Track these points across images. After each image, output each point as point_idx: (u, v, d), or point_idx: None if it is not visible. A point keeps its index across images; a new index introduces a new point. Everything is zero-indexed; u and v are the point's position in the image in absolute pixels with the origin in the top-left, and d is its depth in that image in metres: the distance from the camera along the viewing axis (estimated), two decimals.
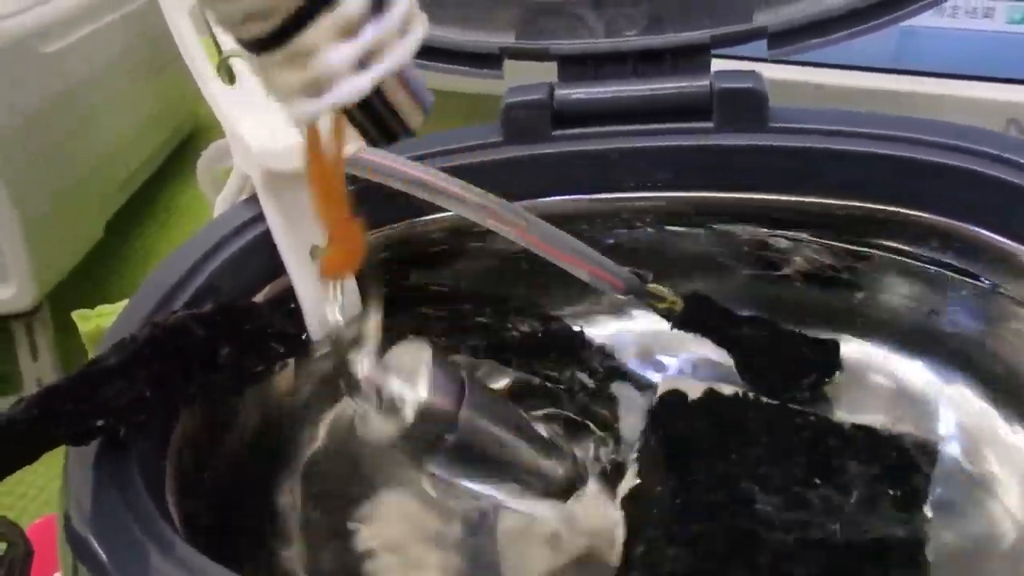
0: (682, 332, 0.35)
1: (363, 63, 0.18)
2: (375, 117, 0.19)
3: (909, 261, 0.34)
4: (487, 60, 0.37)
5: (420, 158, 0.33)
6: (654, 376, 0.36)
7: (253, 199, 0.32)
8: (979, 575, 0.29)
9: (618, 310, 0.38)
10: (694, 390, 0.33)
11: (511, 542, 0.31)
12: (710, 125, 0.35)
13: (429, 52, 0.36)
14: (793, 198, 0.34)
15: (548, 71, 0.36)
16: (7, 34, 0.50)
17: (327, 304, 0.24)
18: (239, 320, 0.29)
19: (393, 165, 0.32)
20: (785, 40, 0.35)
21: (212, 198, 0.39)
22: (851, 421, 0.32)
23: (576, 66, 0.36)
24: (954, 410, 0.33)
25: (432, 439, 0.24)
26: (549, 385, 0.35)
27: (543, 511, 0.28)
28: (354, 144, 0.22)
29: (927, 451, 0.30)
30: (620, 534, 0.29)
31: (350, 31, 0.18)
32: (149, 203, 0.72)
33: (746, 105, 0.34)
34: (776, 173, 0.34)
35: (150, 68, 0.69)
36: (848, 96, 0.47)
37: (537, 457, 0.27)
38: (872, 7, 0.34)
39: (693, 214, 0.36)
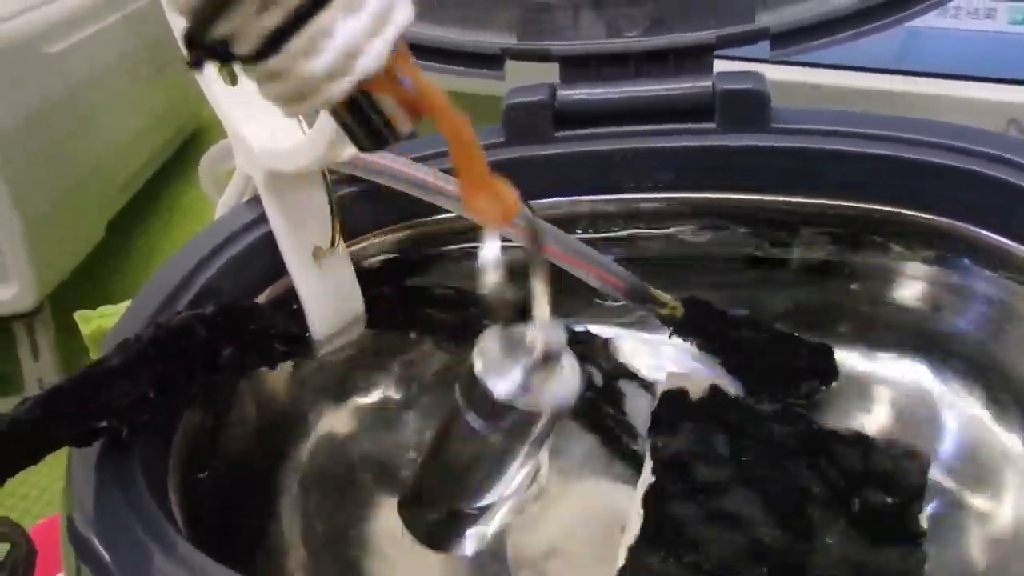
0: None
1: (338, 70, 0.18)
2: (365, 123, 0.19)
3: (910, 262, 0.34)
4: (489, 61, 0.37)
5: (423, 159, 0.33)
6: (657, 375, 0.36)
7: (255, 200, 0.32)
8: None
9: (620, 311, 0.38)
10: (696, 389, 0.33)
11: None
12: (712, 126, 0.35)
13: (430, 53, 0.36)
14: (795, 199, 0.34)
15: (550, 72, 0.36)
16: (9, 35, 0.50)
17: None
18: (241, 321, 0.29)
19: (395, 166, 0.32)
20: (788, 41, 0.35)
21: (214, 199, 0.39)
22: (848, 427, 0.32)
23: (578, 67, 0.36)
24: (954, 414, 0.33)
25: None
26: None
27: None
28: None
29: (922, 460, 0.30)
30: (632, 533, 0.29)
31: (321, 44, 0.17)
32: (151, 203, 0.72)
33: (748, 106, 0.34)
34: (778, 174, 0.34)
35: (152, 68, 0.69)
36: (849, 97, 0.47)
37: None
38: (875, 8, 0.34)
39: (695, 215, 0.36)
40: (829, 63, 0.48)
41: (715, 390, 0.33)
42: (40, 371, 0.53)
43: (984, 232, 0.32)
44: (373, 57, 0.18)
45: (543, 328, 0.21)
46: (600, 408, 0.34)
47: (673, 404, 0.33)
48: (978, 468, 0.31)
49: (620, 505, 0.30)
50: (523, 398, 0.21)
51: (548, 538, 0.31)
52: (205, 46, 0.18)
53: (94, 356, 0.28)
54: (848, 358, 0.35)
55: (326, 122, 0.26)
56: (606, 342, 0.36)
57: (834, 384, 0.34)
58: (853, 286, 0.35)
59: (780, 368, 0.34)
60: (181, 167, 0.76)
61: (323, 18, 0.17)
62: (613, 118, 0.35)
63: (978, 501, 0.31)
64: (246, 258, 0.31)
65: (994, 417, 0.32)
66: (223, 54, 0.18)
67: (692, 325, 0.34)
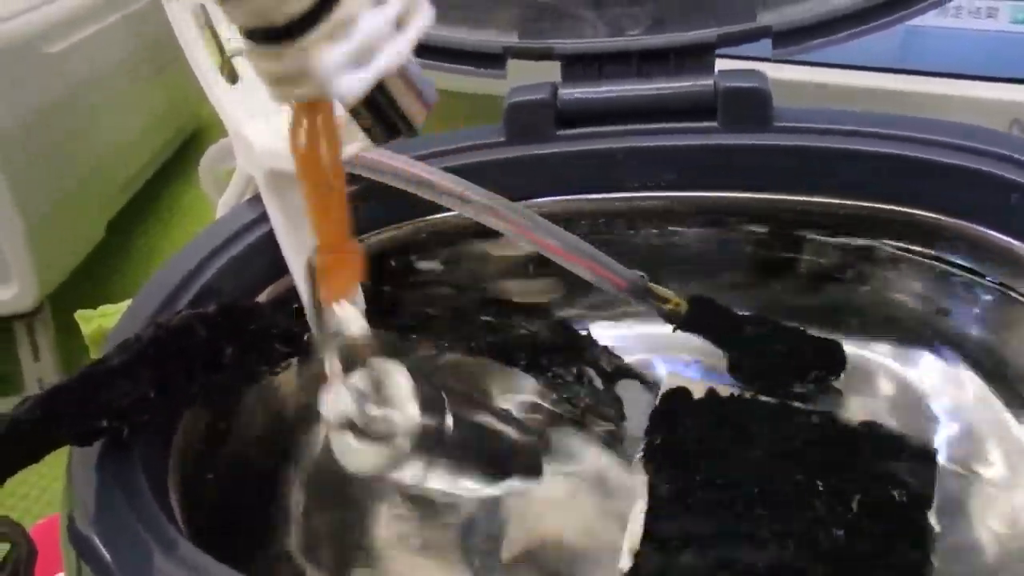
0: (685, 333, 0.34)
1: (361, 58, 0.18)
2: (379, 113, 0.19)
3: (913, 260, 0.34)
4: (491, 60, 0.37)
5: (424, 158, 0.33)
6: (658, 375, 0.36)
7: (256, 199, 0.32)
8: None
9: (622, 310, 0.38)
10: (697, 389, 0.33)
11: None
12: (714, 125, 0.35)
13: (432, 52, 0.36)
14: (797, 197, 0.34)
15: (551, 71, 0.36)
16: (10, 35, 0.50)
17: (341, 321, 0.22)
18: (242, 320, 0.29)
19: (397, 165, 0.32)
20: (789, 40, 0.34)
21: (214, 198, 0.39)
22: (852, 421, 0.32)
23: (580, 66, 0.36)
24: (958, 410, 0.33)
25: (420, 455, 0.23)
26: (557, 384, 0.35)
27: (517, 488, 0.28)
28: (356, 144, 0.21)
29: (929, 454, 0.30)
30: (634, 534, 0.29)
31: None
32: (152, 203, 0.72)
33: (750, 105, 0.34)
34: (780, 173, 0.34)
35: (152, 68, 0.69)
36: (852, 96, 0.47)
37: (510, 438, 0.27)
38: (876, 7, 0.34)
39: (697, 214, 0.36)
40: (830, 62, 0.48)
41: (713, 392, 0.33)
42: (40, 371, 0.53)
43: (988, 231, 0.32)
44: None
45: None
46: (600, 410, 0.34)
47: (674, 403, 0.33)
48: (982, 465, 0.31)
49: (621, 505, 0.30)
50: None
51: (547, 539, 0.31)
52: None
53: (94, 356, 0.28)
54: (851, 356, 0.35)
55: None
56: (606, 347, 0.36)
57: (838, 379, 0.34)
58: (856, 284, 0.35)
59: (785, 363, 0.34)
60: (181, 167, 0.76)
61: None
62: (615, 117, 0.35)
63: (981, 496, 0.31)
64: (247, 258, 0.31)
65: (997, 413, 0.32)
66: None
67: (696, 321, 0.34)
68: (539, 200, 0.35)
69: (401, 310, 0.35)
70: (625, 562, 0.28)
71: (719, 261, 0.36)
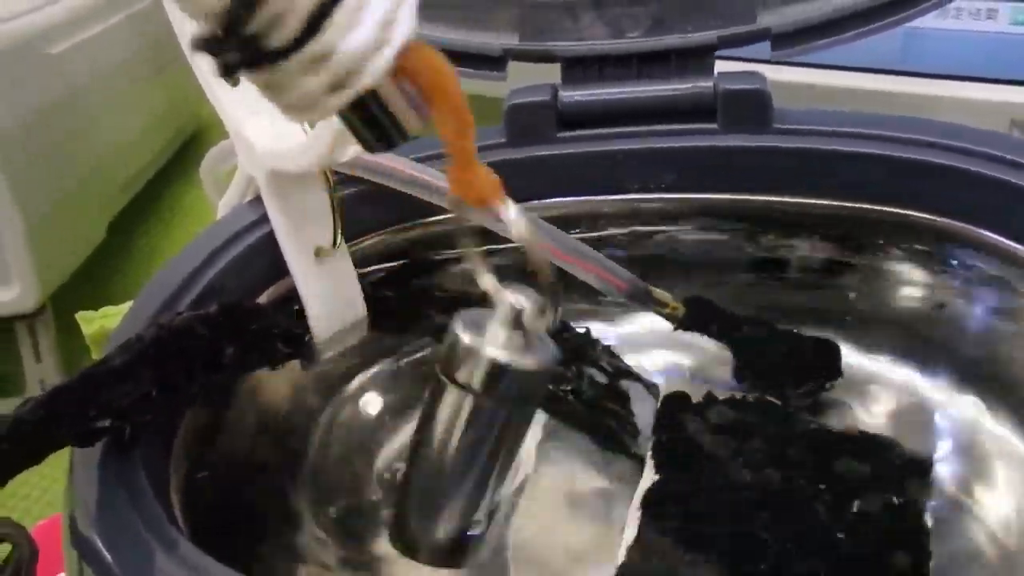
0: (685, 335, 0.35)
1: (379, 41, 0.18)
2: (373, 123, 0.19)
3: (912, 262, 0.34)
4: (491, 62, 0.37)
5: (423, 160, 0.33)
6: (658, 378, 0.36)
7: (257, 200, 0.32)
8: None
9: (622, 313, 0.38)
10: (696, 392, 0.33)
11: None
12: (714, 126, 0.35)
13: None
14: (797, 199, 0.34)
15: (551, 73, 0.36)
16: (12, 35, 0.50)
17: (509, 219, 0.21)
18: (243, 321, 0.29)
19: (396, 167, 0.32)
20: (789, 41, 0.35)
21: (215, 199, 0.39)
22: (851, 426, 0.32)
23: (580, 67, 0.36)
24: (954, 413, 0.33)
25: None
26: (561, 383, 0.35)
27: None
28: (355, 146, 0.21)
29: (925, 460, 0.30)
30: (631, 533, 0.29)
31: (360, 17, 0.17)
32: (153, 204, 0.72)
33: (750, 106, 0.34)
34: (780, 174, 0.34)
35: (153, 69, 0.69)
36: (852, 97, 0.47)
37: None
38: (875, 9, 0.34)
39: (697, 215, 0.36)
40: (830, 64, 0.48)
41: (711, 395, 0.33)
42: (42, 372, 0.53)
43: (985, 232, 0.32)
44: (411, 26, 0.18)
45: (506, 292, 0.21)
46: (603, 407, 0.34)
47: (676, 405, 0.33)
48: (978, 467, 0.31)
49: (620, 505, 0.30)
50: (515, 358, 0.21)
51: (548, 538, 0.31)
52: (236, 46, 0.17)
53: (96, 357, 0.28)
54: (849, 358, 0.35)
55: (328, 122, 0.26)
56: (607, 347, 0.36)
57: (836, 383, 0.34)
58: (854, 286, 0.35)
59: (783, 366, 0.34)
60: (182, 168, 0.76)
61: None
62: (615, 119, 0.35)
63: (978, 499, 0.31)
64: (248, 259, 0.31)
65: (994, 416, 0.32)
66: (255, 52, 0.17)
67: (695, 324, 0.34)
68: (539, 202, 0.35)
69: (401, 312, 0.35)
70: (623, 564, 0.28)
71: (719, 262, 0.36)
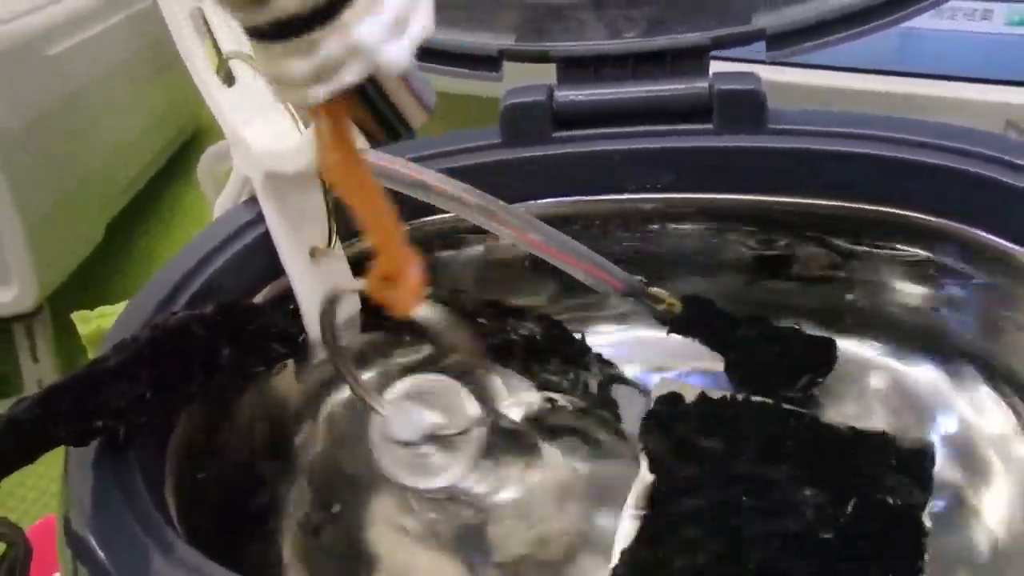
0: (680, 338, 0.35)
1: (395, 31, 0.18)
2: (378, 115, 0.19)
3: (907, 262, 0.34)
4: (487, 62, 0.37)
5: (419, 160, 0.33)
6: (651, 381, 0.36)
7: (253, 200, 0.32)
8: None
9: (617, 315, 0.38)
10: (689, 392, 0.33)
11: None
12: (710, 127, 0.35)
13: (428, 54, 0.36)
14: (792, 199, 0.34)
15: (547, 73, 0.36)
16: (10, 36, 0.50)
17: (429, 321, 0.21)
18: (240, 321, 0.29)
19: (392, 167, 0.32)
20: (783, 42, 0.35)
21: (212, 199, 0.39)
22: (846, 423, 0.32)
23: (576, 68, 0.36)
24: (952, 412, 0.33)
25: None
26: (550, 387, 0.35)
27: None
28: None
29: (924, 456, 0.30)
30: (625, 534, 0.29)
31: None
32: (152, 204, 0.72)
33: (745, 107, 0.34)
34: (775, 174, 0.34)
35: (152, 70, 0.69)
36: (847, 98, 0.47)
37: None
38: (870, 10, 0.34)
39: (693, 215, 0.36)
40: (825, 64, 0.48)
41: (704, 395, 0.33)
42: (40, 373, 0.53)
43: (981, 233, 0.32)
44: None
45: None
46: (594, 413, 0.34)
47: (668, 406, 0.33)
48: (976, 466, 0.31)
49: (615, 506, 0.30)
50: None
51: (540, 539, 0.31)
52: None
53: (92, 357, 0.28)
54: (846, 357, 0.35)
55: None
56: (598, 355, 0.36)
57: (832, 382, 0.34)
58: (850, 286, 0.35)
59: (778, 364, 0.34)
60: (181, 168, 0.76)
61: None
62: (611, 119, 0.35)
63: (977, 499, 0.31)
64: (244, 258, 0.31)
65: (991, 414, 0.32)
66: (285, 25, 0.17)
67: (690, 322, 0.34)
68: (535, 202, 0.36)
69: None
70: (617, 563, 0.28)
71: (716, 262, 0.37)
